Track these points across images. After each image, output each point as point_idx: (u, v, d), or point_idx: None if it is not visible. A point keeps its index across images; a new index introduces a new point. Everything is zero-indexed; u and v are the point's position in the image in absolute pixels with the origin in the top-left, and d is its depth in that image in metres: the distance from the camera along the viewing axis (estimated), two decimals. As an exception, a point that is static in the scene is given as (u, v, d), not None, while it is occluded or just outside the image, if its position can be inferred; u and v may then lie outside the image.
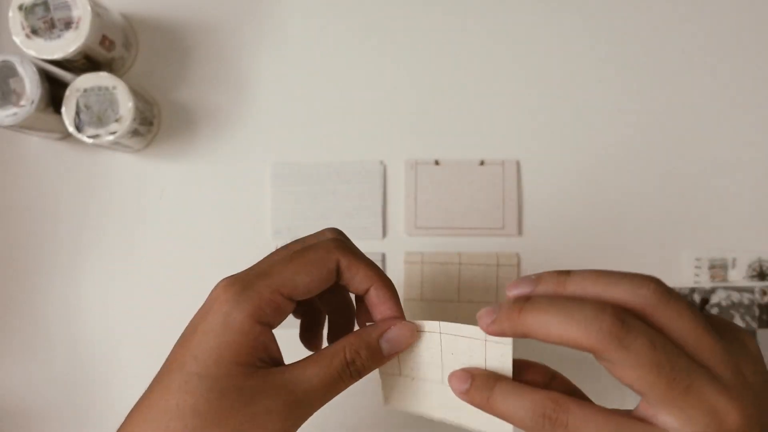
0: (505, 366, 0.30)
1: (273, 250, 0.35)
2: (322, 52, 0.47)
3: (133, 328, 0.46)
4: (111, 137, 0.42)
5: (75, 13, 0.41)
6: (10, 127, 0.41)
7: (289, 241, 0.33)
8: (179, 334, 0.45)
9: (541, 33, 0.47)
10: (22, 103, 0.40)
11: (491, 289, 0.45)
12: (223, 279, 0.29)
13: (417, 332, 0.31)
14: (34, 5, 0.41)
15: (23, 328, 0.46)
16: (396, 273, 0.45)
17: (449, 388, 0.30)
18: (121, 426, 0.29)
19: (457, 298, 0.45)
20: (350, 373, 0.30)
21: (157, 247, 0.46)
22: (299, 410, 0.29)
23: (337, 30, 0.47)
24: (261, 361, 0.29)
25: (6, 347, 0.46)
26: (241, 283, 0.29)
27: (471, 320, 0.43)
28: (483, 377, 0.29)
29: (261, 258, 0.32)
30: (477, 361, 0.30)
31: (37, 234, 0.46)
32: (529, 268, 0.45)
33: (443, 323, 0.30)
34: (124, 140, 0.43)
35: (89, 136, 0.42)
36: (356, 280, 0.31)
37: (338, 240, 0.31)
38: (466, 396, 0.29)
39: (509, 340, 0.29)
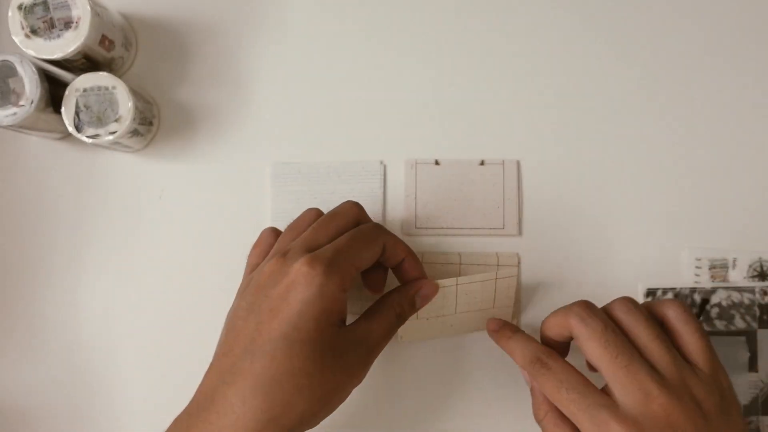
0: (509, 293, 0.42)
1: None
2: (322, 52, 0.47)
3: (133, 328, 0.46)
4: (111, 137, 0.42)
5: (74, 13, 0.41)
6: (10, 127, 0.41)
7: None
8: (179, 333, 0.46)
9: (542, 33, 0.47)
10: (22, 103, 0.40)
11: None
12: (301, 256, 0.34)
13: (439, 289, 0.40)
14: (34, 5, 0.41)
15: (22, 328, 0.46)
16: (396, 273, 0.45)
17: (460, 315, 0.42)
18: (210, 402, 0.32)
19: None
20: (399, 323, 0.38)
21: (157, 247, 0.46)
22: (371, 356, 0.36)
23: (337, 30, 0.47)
24: (341, 322, 0.35)
25: (5, 347, 0.46)
26: (326, 260, 0.34)
27: (468, 326, 0.45)
28: (510, 326, 0.40)
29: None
30: (488, 294, 0.42)
31: (36, 234, 0.46)
32: (529, 268, 0.45)
33: (460, 278, 0.40)
34: (123, 140, 0.43)
35: (89, 136, 0.42)
36: (395, 254, 0.38)
37: (381, 225, 0.38)
38: (495, 334, 0.40)
39: (514, 274, 0.42)
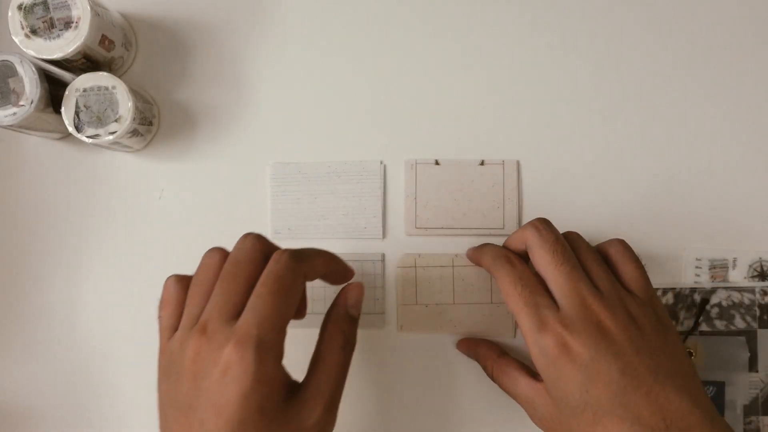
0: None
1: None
2: (322, 53, 0.47)
3: (133, 329, 0.46)
4: (111, 137, 0.42)
5: (74, 13, 0.41)
6: (10, 127, 0.41)
7: (282, 243, 0.36)
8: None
9: (542, 33, 0.47)
10: (22, 102, 0.40)
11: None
12: (224, 336, 0.31)
13: (363, 286, 0.38)
14: (34, 5, 0.41)
15: (22, 329, 0.46)
16: (394, 274, 0.45)
17: (459, 307, 0.44)
18: None
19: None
20: (349, 351, 0.35)
21: (157, 247, 0.46)
22: (333, 405, 0.34)
23: (337, 30, 0.47)
24: (289, 387, 0.33)
25: (5, 347, 0.46)
26: (255, 341, 0.30)
27: (468, 321, 0.45)
28: (480, 245, 0.42)
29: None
30: (484, 281, 0.44)
31: (36, 234, 0.46)
32: (529, 269, 0.45)
33: (456, 257, 0.44)
34: (123, 140, 0.43)
35: (89, 136, 0.42)
36: (315, 275, 0.35)
37: (294, 256, 0.33)
38: (470, 252, 0.43)
39: None
